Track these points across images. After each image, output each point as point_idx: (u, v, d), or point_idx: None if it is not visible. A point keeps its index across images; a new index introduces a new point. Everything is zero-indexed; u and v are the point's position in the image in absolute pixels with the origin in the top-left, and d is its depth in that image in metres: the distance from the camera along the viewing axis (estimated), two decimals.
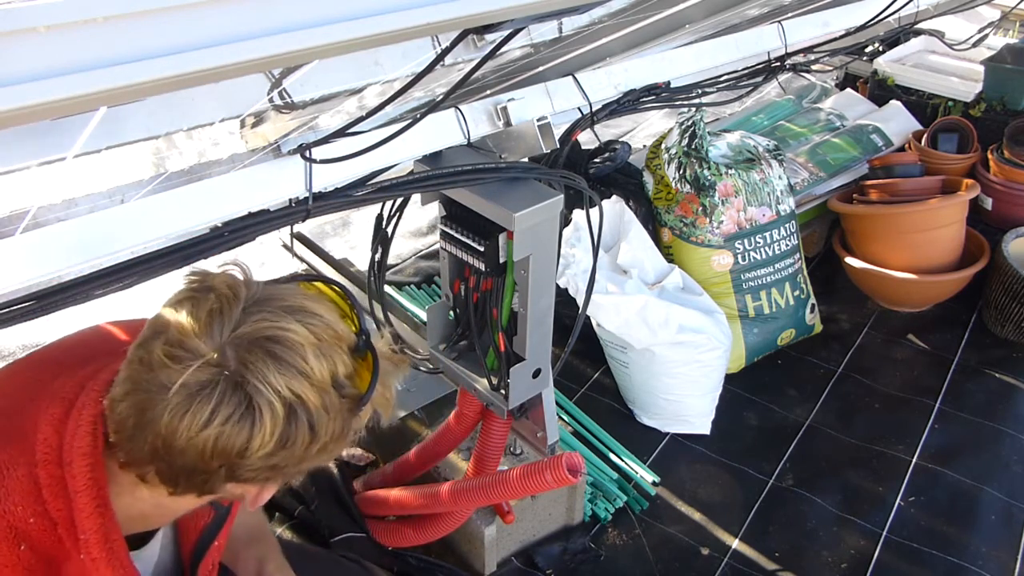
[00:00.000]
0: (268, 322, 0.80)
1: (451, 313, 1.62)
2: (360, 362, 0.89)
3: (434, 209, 1.48)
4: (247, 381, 0.78)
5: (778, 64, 2.08)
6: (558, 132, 1.42)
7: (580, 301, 1.71)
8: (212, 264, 0.94)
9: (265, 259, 2.90)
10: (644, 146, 3.09)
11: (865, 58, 3.25)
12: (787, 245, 2.45)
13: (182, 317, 0.80)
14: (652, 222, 2.47)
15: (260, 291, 0.84)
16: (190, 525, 1.12)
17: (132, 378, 0.80)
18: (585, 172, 2.28)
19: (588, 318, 2.20)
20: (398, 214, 1.58)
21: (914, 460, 2.18)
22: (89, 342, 1.04)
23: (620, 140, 2.30)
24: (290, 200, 1.16)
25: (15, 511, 0.83)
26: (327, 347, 0.83)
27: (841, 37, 2.36)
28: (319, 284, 0.94)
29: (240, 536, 1.31)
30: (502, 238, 1.37)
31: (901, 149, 3.08)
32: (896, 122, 3.15)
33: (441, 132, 1.34)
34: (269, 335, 0.79)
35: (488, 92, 1.44)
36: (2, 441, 0.86)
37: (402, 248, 3.12)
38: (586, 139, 2.02)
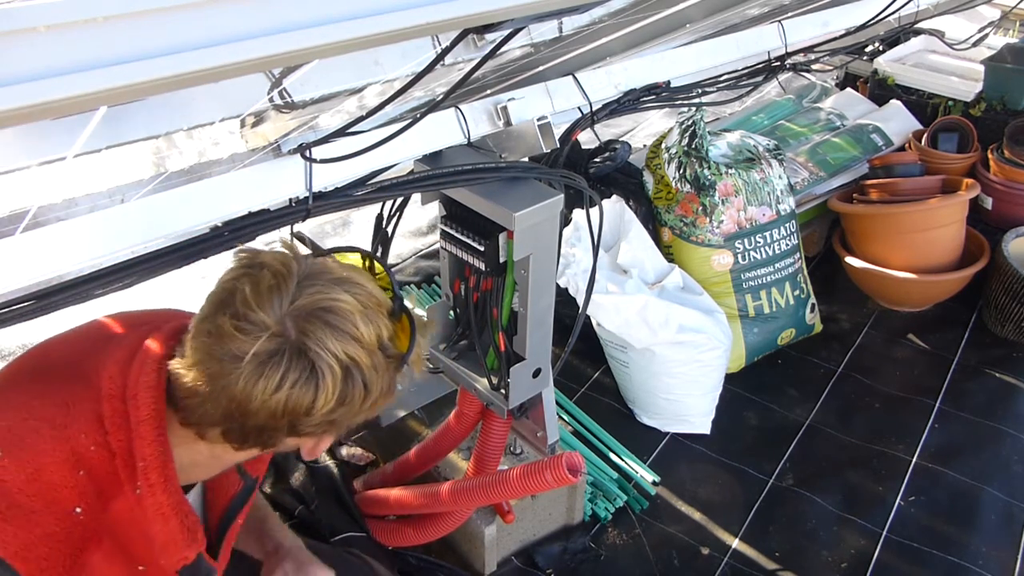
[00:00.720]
0: (322, 294, 0.89)
1: (451, 313, 1.62)
2: (396, 324, 0.98)
3: (434, 209, 1.48)
4: (309, 348, 0.87)
5: (778, 64, 2.08)
6: (558, 132, 1.42)
7: (580, 301, 1.71)
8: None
9: None
10: (644, 146, 3.10)
11: (865, 58, 3.25)
12: (787, 245, 2.45)
13: (246, 292, 0.88)
14: (652, 222, 2.47)
15: (308, 266, 0.93)
16: (219, 494, 1.16)
17: (201, 349, 0.88)
18: (585, 172, 2.28)
19: (588, 318, 2.19)
20: (398, 214, 1.58)
21: (914, 460, 2.18)
22: (148, 311, 1.12)
23: (620, 140, 2.30)
24: (290, 200, 1.16)
25: (78, 438, 0.90)
26: (372, 313, 0.92)
27: (841, 37, 2.36)
28: (354, 255, 1.06)
29: None
30: (502, 238, 1.37)
31: (901, 149, 3.08)
32: (896, 122, 3.15)
33: (441, 132, 1.34)
34: (324, 306, 0.88)
35: (488, 92, 1.44)
36: (69, 380, 0.94)
37: (402, 248, 3.12)
38: (586, 139, 2.02)
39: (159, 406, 0.93)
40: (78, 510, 0.89)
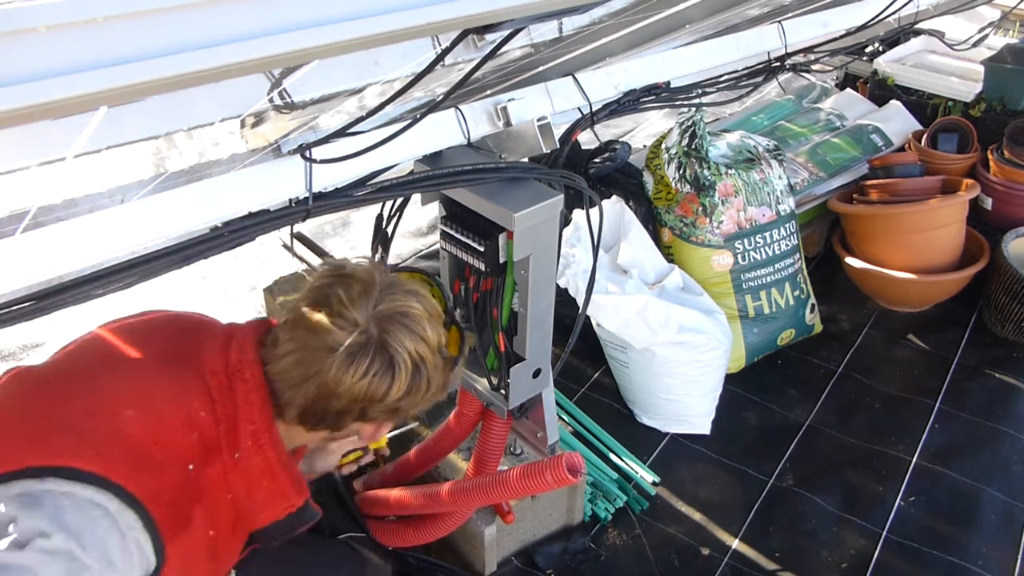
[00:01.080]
0: (399, 302, 1.06)
1: None
2: (447, 333, 1.15)
3: (434, 209, 1.48)
4: (390, 344, 1.04)
5: (778, 64, 2.08)
6: (558, 132, 1.42)
7: (580, 301, 1.71)
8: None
9: (265, 259, 2.90)
10: (644, 146, 3.10)
11: (865, 58, 3.25)
12: (787, 245, 2.45)
13: (340, 295, 1.04)
14: (652, 222, 2.47)
15: (386, 278, 1.09)
16: None
17: (298, 339, 1.04)
18: (585, 172, 2.28)
19: (588, 318, 2.19)
20: (398, 214, 1.58)
21: (914, 460, 2.18)
22: (196, 314, 1.24)
23: (620, 140, 2.30)
24: (290, 200, 1.16)
25: (191, 404, 1.03)
26: (435, 320, 1.10)
27: (841, 37, 2.36)
28: (416, 275, 1.25)
29: None
30: (502, 238, 1.37)
31: (901, 149, 3.08)
32: (896, 122, 3.15)
33: (441, 132, 1.34)
34: (401, 311, 1.06)
35: (488, 92, 1.44)
36: (171, 359, 1.08)
37: (402, 248, 3.12)
38: (586, 139, 2.02)
39: (262, 380, 1.07)
40: (191, 467, 1.02)
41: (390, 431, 1.22)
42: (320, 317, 1.03)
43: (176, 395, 1.03)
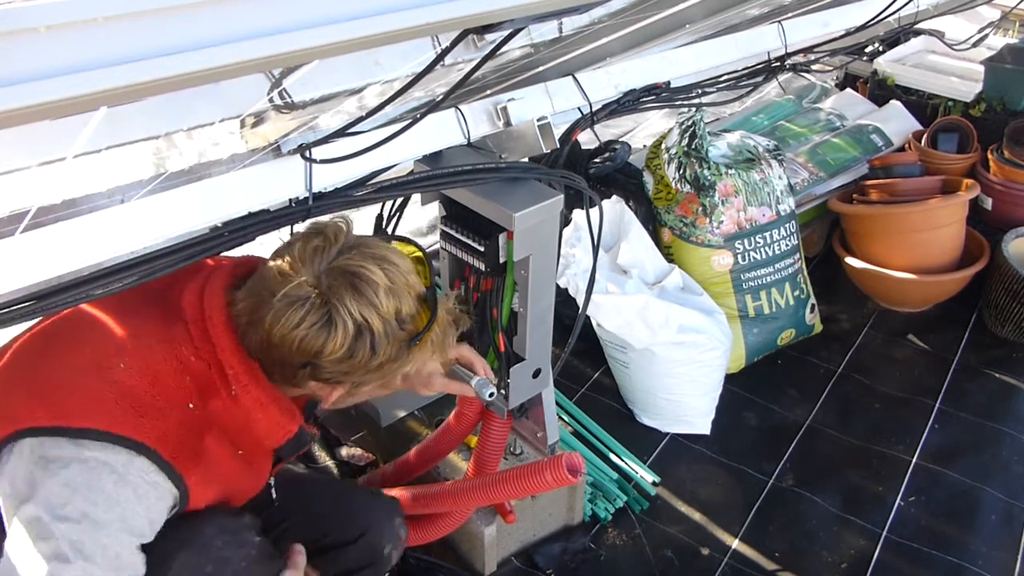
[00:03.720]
0: (355, 263, 1.06)
1: None
2: (424, 308, 1.14)
3: (434, 209, 1.48)
4: (331, 302, 1.03)
5: (778, 64, 2.08)
6: (558, 132, 1.42)
7: (580, 301, 1.71)
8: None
9: None
10: (644, 146, 3.09)
11: (865, 58, 3.25)
12: (787, 245, 2.45)
13: (295, 250, 1.07)
14: (652, 222, 2.47)
15: (355, 239, 1.10)
16: None
17: (252, 287, 1.09)
18: (585, 172, 2.28)
19: (588, 318, 2.19)
20: (398, 214, 1.58)
21: (914, 460, 2.18)
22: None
23: (620, 140, 2.30)
24: (290, 200, 1.16)
25: (181, 350, 1.08)
26: (398, 290, 1.08)
27: (841, 37, 2.36)
28: (405, 245, 1.22)
29: None
30: (502, 238, 1.37)
31: (901, 149, 3.08)
32: (896, 122, 3.15)
33: (441, 132, 1.34)
34: (353, 271, 1.05)
35: (488, 92, 1.44)
36: (160, 304, 1.13)
37: None
38: (586, 139, 2.02)
39: (228, 323, 1.10)
40: (191, 406, 1.08)
41: (355, 402, 1.22)
42: (274, 265, 1.07)
43: (167, 341, 1.08)
